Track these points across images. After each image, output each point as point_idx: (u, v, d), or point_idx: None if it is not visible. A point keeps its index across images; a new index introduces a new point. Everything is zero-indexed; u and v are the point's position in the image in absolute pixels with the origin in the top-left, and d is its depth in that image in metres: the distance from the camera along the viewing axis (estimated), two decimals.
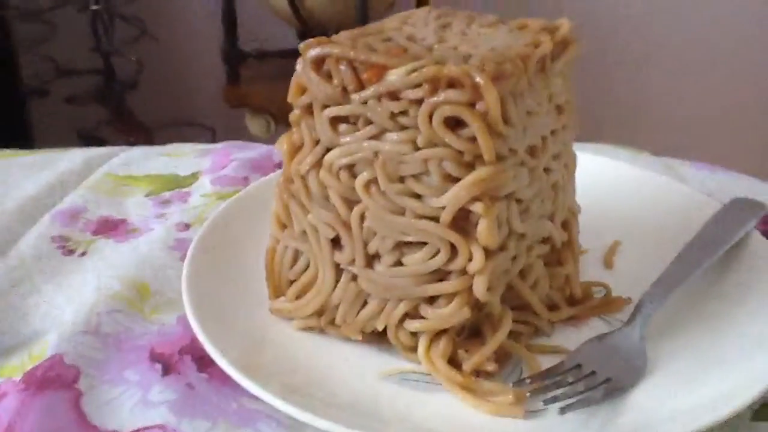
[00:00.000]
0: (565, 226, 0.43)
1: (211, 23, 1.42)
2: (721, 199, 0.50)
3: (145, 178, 0.56)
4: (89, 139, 1.38)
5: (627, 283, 0.43)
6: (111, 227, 0.50)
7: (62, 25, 1.37)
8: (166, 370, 0.37)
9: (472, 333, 0.38)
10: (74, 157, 0.58)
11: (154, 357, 0.37)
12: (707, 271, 0.43)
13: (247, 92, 1.36)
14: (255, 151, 0.60)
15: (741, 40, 1.46)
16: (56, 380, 0.35)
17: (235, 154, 0.59)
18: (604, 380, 0.35)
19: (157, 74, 1.51)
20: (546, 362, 0.37)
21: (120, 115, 1.44)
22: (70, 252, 0.47)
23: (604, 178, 0.53)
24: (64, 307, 0.41)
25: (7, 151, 0.61)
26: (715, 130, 1.51)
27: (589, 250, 0.47)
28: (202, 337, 0.36)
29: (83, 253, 0.47)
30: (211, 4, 1.41)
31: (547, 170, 0.40)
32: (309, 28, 1.24)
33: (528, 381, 0.36)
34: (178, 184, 0.56)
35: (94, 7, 1.37)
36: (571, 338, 0.40)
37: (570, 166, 0.43)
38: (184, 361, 0.37)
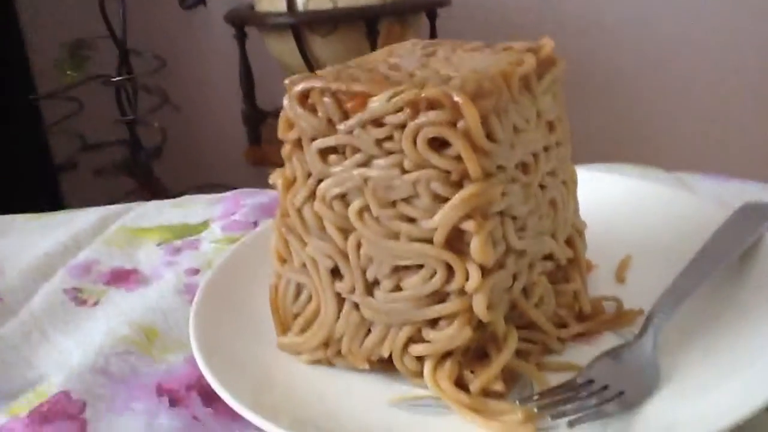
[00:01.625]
0: (570, 242, 0.43)
1: (229, 87, 1.47)
2: (733, 207, 0.49)
3: (156, 229, 0.57)
4: None
5: (640, 297, 0.42)
6: (122, 277, 0.51)
7: (87, 100, 1.42)
8: (173, 403, 0.37)
9: (478, 354, 0.38)
10: (90, 215, 0.59)
11: (161, 391, 0.38)
12: (720, 277, 0.42)
13: (269, 150, 1.39)
14: (266, 195, 0.61)
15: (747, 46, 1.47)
16: (62, 412, 0.36)
17: (245, 200, 0.60)
18: (617, 394, 0.35)
19: (180, 141, 1.56)
20: (559, 380, 0.37)
21: (147, 184, 1.48)
22: (83, 302, 0.48)
23: (614, 194, 0.53)
24: (72, 350, 0.42)
25: (32, 215, 0.63)
26: (724, 141, 1.51)
27: (600, 266, 0.47)
28: (207, 373, 0.36)
29: (95, 303, 0.47)
30: (228, 70, 1.45)
31: (542, 187, 0.40)
32: None
33: (535, 398, 0.35)
34: (189, 232, 0.57)
35: (117, 79, 1.42)
36: (583, 354, 0.39)
37: (569, 183, 0.43)
38: (191, 397, 0.37)
